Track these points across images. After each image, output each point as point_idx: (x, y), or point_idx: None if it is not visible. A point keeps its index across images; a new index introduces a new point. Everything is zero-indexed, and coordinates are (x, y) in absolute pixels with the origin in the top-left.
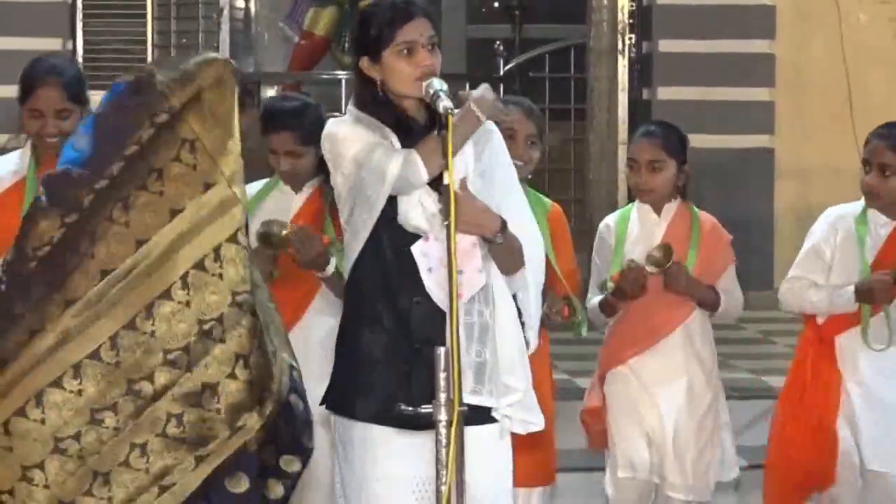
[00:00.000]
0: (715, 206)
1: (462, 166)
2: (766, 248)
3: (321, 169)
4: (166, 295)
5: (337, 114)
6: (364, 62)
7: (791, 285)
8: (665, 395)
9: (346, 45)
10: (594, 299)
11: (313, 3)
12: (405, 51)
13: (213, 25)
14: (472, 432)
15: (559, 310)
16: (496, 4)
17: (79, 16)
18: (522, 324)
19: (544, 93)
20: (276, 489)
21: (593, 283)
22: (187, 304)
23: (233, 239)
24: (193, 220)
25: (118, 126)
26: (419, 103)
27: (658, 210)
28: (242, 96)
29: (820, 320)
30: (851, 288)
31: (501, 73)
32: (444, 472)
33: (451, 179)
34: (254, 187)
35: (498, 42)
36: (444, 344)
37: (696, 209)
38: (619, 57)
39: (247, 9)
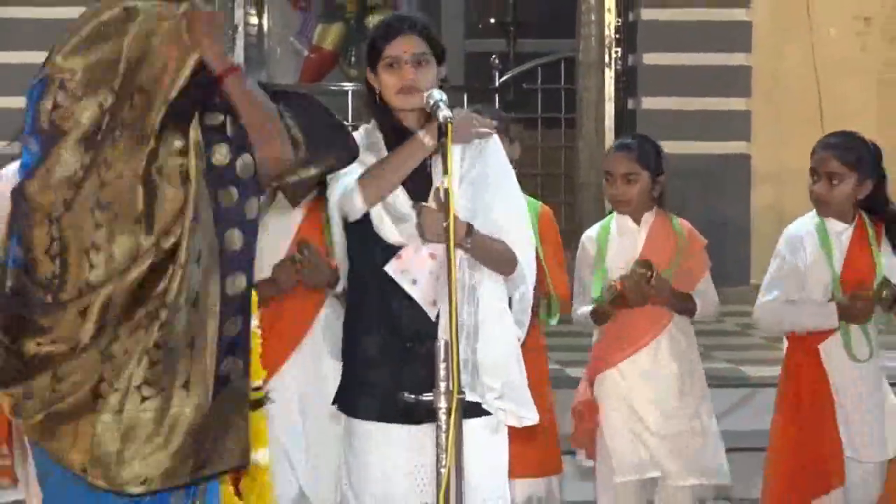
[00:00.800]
0: (696, 208)
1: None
2: (743, 247)
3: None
4: None
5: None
6: (369, 73)
7: (771, 306)
8: (655, 388)
9: (353, 58)
10: (581, 308)
11: (321, 19)
12: (391, 65)
13: (228, 40)
14: (466, 424)
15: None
16: (492, 20)
17: None
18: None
19: (536, 103)
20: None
21: (577, 292)
22: None
23: None
24: None
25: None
26: (420, 113)
27: (637, 219)
28: None
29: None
30: (833, 307)
31: (497, 84)
32: (444, 457)
33: (450, 185)
34: None
35: (494, 55)
36: (432, 341)
37: (674, 217)
38: (606, 69)
39: (259, 25)
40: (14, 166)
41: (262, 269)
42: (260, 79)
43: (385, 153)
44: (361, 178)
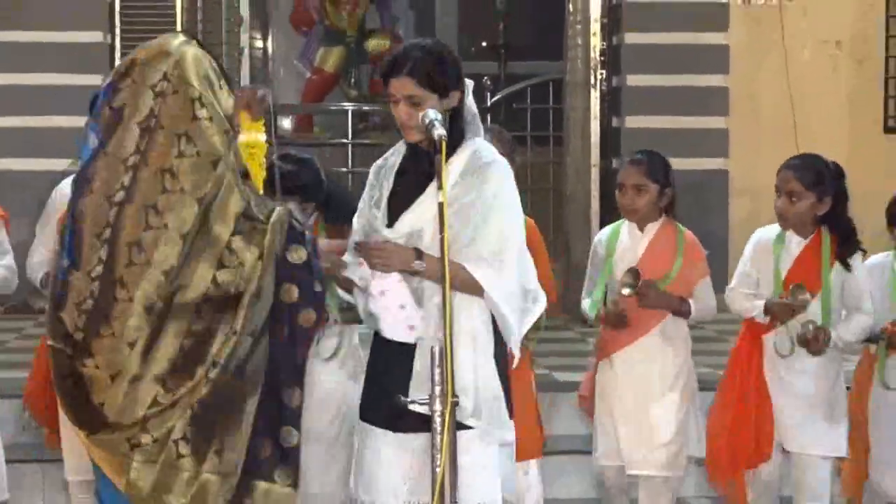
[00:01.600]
0: (679, 220)
1: (430, 202)
2: (721, 259)
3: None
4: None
5: (344, 140)
6: None
7: (731, 293)
8: (638, 382)
9: (353, 79)
10: (587, 301)
11: (323, 43)
12: (392, 101)
13: (234, 62)
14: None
15: None
16: (484, 44)
17: (117, 55)
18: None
19: (526, 121)
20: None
21: (587, 286)
22: None
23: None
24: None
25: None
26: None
27: (642, 227)
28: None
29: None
30: (761, 304)
31: (489, 104)
32: (439, 456)
33: (444, 198)
34: None
35: (485, 77)
36: (410, 355)
37: (681, 226)
38: (592, 90)
39: (265, 48)
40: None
41: None
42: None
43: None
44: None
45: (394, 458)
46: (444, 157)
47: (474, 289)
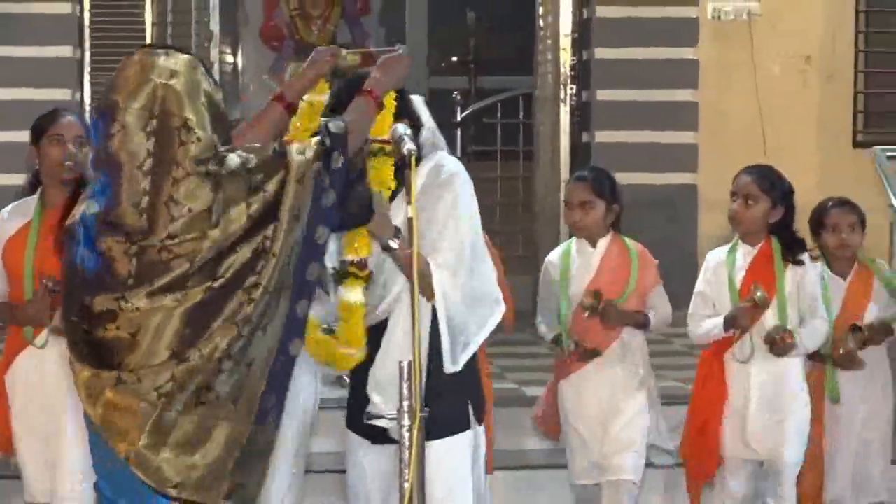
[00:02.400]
0: (647, 235)
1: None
2: (691, 272)
3: None
4: None
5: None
6: None
7: (691, 321)
8: (602, 395)
9: None
10: (543, 325)
11: (293, 58)
12: None
13: None
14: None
15: None
16: (454, 59)
17: (86, 69)
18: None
19: (496, 136)
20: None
21: (540, 309)
22: None
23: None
24: None
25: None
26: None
27: (593, 243)
28: None
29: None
30: (720, 320)
31: (459, 119)
32: (407, 471)
33: (414, 213)
34: None
35: (456, 92)
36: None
37: (626, 239)
38: (562, 105)
39: (235, 63)
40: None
41: None
42: (235, 113)
43: None
44: None
45: (374, 468)
46: (413, 171)
47: (429, 288)
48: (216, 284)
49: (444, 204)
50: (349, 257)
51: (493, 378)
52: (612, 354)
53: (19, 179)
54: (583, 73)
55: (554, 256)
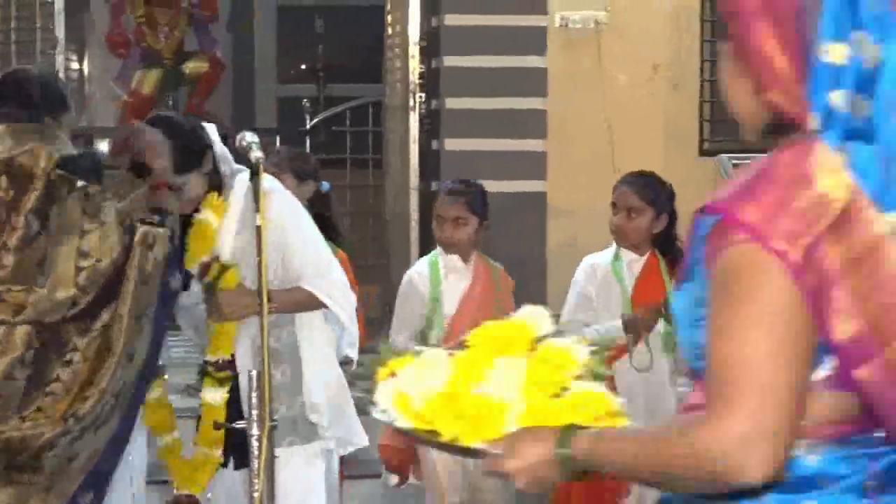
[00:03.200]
0: (497, 243)
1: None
2: (539, 280)
3: None
4: None
5: None
6: None
7: (569, 329)
8: None
9: (170, 102)
10: (400, 338)
11: (140, 65)
12: None
13: None
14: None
15: None
16: (303, 66)
17: None
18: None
19: (345, 144)
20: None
21: (399, 327)
22: None
23: None
24: None
25: None
26: None
27: (465, 259)
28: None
29: None
30: (619, 323)
31: (308, 127)
32: (257, 481)
33: (262, 221)
34: None
35: (305, 100)
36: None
37: (490, 259)
38: (411, 113)
39: (80, 70)
40: None
41: None
42: (81, 121)
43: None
44: None
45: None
46: (261, 179)
47: (315, 304)
48: None
49: (276, 221)
50: (210, 357)
51: None
52: None
53: None
54: (432, 81)
55: (422, 269)
